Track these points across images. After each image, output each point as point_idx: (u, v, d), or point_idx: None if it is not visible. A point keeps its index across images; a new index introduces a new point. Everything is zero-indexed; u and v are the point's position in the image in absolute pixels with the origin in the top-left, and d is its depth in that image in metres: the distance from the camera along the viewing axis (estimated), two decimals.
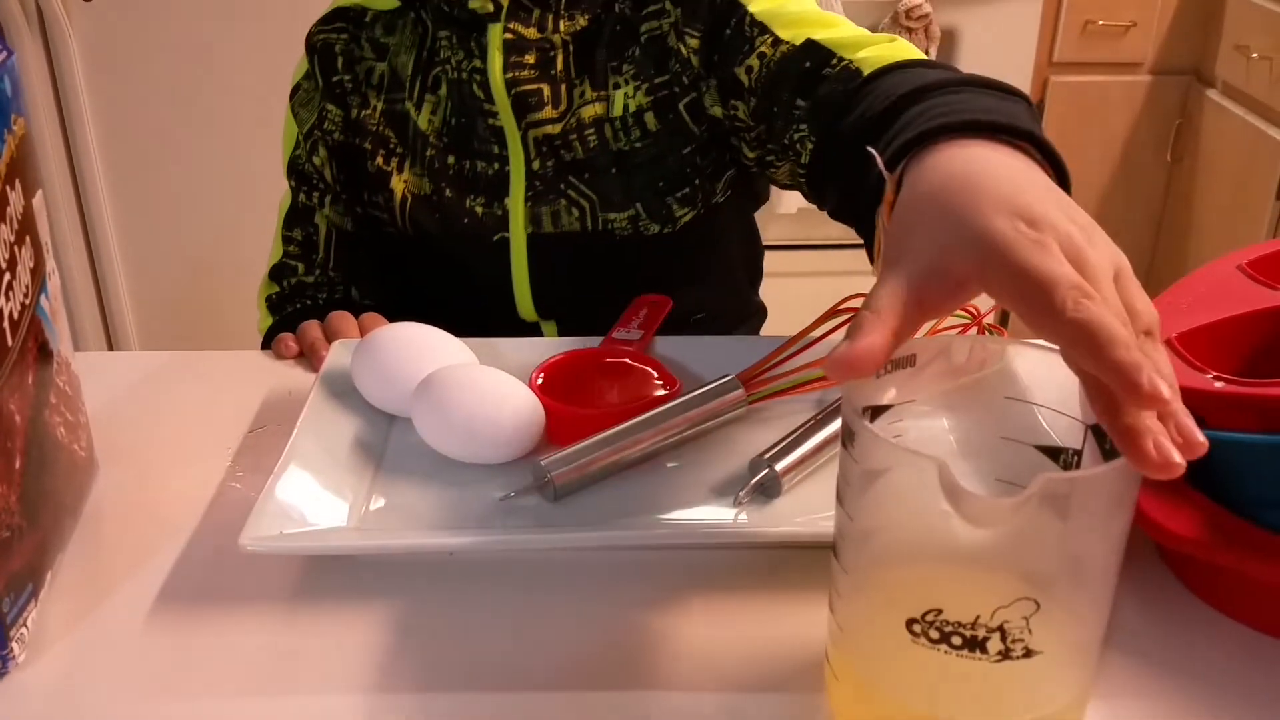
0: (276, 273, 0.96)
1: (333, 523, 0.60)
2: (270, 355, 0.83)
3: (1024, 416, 0.48)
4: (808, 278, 2.17)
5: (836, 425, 0.63)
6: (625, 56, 0.88)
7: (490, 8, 0.86)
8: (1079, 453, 0.46)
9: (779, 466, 0.61)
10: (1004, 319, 2.03)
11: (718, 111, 0.87)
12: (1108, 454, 0.42)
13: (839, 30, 0.79)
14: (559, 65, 0.88)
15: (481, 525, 0.61)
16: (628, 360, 0.73)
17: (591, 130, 0.88)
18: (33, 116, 0.71)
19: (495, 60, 0.87)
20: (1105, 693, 0.50)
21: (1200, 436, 0.39)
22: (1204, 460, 0.40)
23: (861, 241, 0.68)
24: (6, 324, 0.51)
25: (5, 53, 0.55)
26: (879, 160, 0.54)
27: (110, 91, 1.89)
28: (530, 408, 0.66)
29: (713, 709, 0.50)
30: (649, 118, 0.88)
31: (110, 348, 2.05)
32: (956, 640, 0.41)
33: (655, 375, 0.71)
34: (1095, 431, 0.45)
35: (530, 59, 0.87)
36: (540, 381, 0.70)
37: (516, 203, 0.90)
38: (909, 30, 1.99)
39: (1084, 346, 0.39)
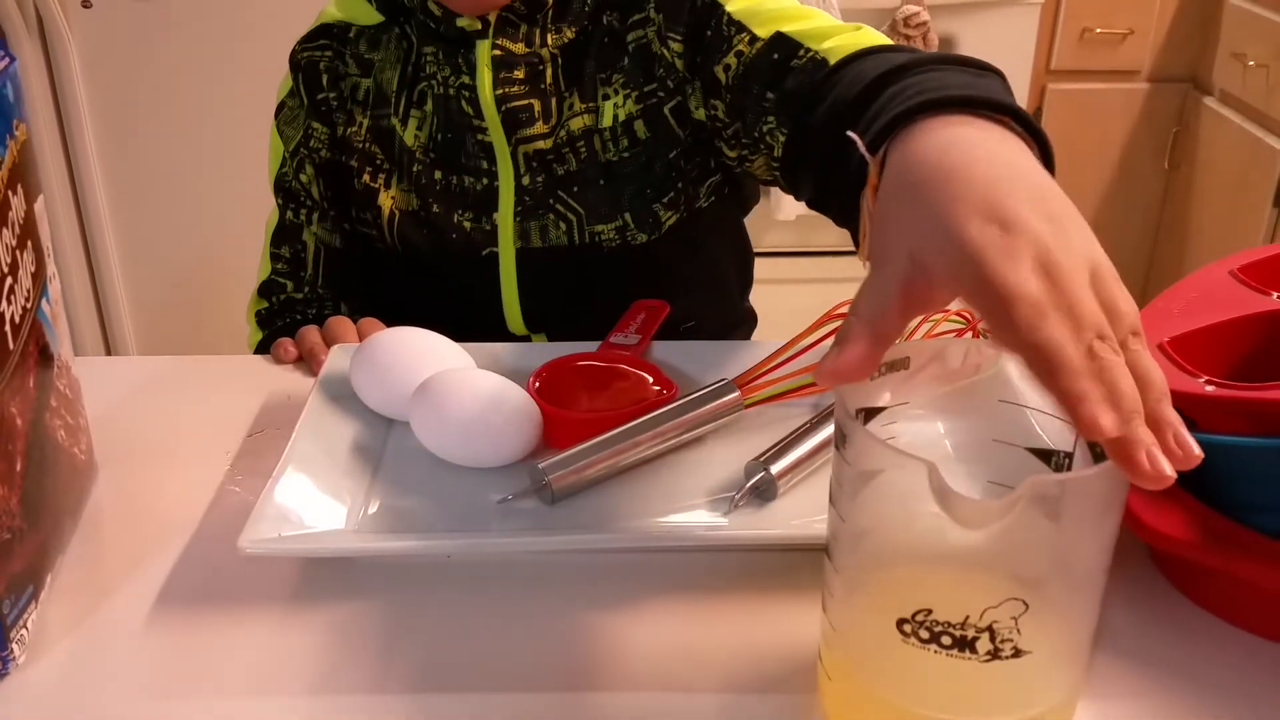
0: (265, 290, 0.96)
1: (331, 526, 0.60)
2: (269, 360, 0.83)
3: (1017, 420, 0.49)
4: (806, 284, 2.18)
5: (831, 429, 0.64)
6: (614, 67, 0.88)
7: (479, 25, 0.86)
8: (1070, 455, 0.47)
9: (774, 470, 0.62)
10: None
11: (701, 114, 0.87)
12: (1098, 457, 0.43)
13: (808, 22, 0.78)
14: (548, 79, 0.88)
15: (479, 528, 0.61)
16: (625, 365, 0.74)
17: (581, 142, 0.88)
18: (32, 122, 0.71)
19: (485, 77, 0.87)
20: (1094, 693, 0.51)
21: (1197, 449, 0.39)
22: None
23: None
24: (8, 328, 0.52)
25: (7, 59, 0.55)
26: (860, 144, 0.53)
27: (109, 97, 1.90)
28: (528, 412, 0.66)
29: (707, 709, 0.50)
30: (638, 125, 0.88)
31: (108, 353, 2.05)
32: (946, 640, 0.42)
33: (652, 379, 0.72)
34: None
35: (519, 74, 0.87)
36: (538, 386, 0.70)
37: (505, 217, 0.90)
38: (907, 38, 1.99)
39: (1036, 368, 0.39)
